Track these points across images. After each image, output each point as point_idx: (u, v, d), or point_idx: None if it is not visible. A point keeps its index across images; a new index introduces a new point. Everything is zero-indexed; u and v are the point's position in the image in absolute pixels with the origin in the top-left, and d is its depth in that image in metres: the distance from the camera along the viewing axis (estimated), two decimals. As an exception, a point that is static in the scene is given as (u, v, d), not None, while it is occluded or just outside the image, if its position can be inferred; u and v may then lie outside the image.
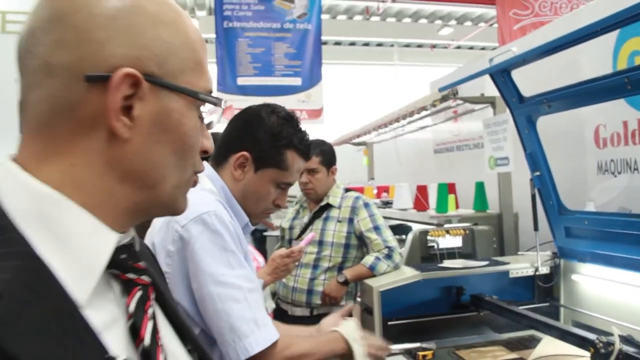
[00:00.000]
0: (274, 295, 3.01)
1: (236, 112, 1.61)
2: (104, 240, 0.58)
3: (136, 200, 0.61)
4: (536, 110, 2.18)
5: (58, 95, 0.56)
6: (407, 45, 13.02)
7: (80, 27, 0.56)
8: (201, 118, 0.67)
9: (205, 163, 1.16)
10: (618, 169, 2.86)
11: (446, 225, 3.19)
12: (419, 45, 12.89)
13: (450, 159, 5.13)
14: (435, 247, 2.86)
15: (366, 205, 2.84)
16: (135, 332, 0.58)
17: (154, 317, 0.61)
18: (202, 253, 1.31)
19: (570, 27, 1.75)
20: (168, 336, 0.67)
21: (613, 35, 2.75)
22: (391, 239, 2.75)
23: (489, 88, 2.73)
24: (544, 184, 2.28)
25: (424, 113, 4.37)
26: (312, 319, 2.64)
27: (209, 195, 1.42)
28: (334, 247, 2.80)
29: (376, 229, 2.76)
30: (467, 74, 2.30)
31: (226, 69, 5.99)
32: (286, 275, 2.35)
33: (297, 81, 6.11)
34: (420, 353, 2.06)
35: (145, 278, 0.63)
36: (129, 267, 0.61)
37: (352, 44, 12.87)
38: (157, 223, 1.42)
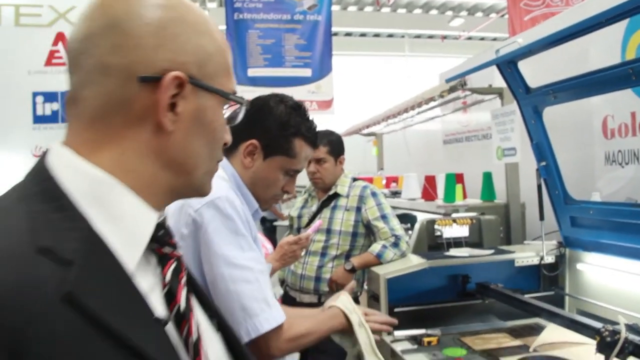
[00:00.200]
0: (282, 282, 3.05)
1: (246, 102, 1.64)
2: (147, 218, 0.67)
3: (175, 184, 0.71)
4: (542, 101, 2.20)
5: (112, 93, 0.65)
6: (418, 36, 12.98)
7: (135, 34, 0.65)
8: None
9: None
10: (625, 160, 2.87)
11: (453, 215, 3.22)
12: (430, 36, 12.86)
13: (460, 149, 5.14)
14: (441, 235, 2.89)
15: (374, 194, 2.88)
16: (170, 298, 0.67)
17: (186, 285, 0.70)
18: (214, 236, 1.36)
19: (580, 18, 1.76)
20: (194, 304, 0.75)
21: (622, 27, 2.75)
22: (398, 227, 2.78)
23: (497, 79, 2.75)
24: (550, 174, 2.30)
25: (432, 104, 4.38)
26: (320, 306, 2.68)
27: (222, 182, 1.46)
28: (341, 235, 2.84)
29: (383, 217, 2.80)
30: (475, 65, 2.32)
31: (237, 61, 6.00)
32: (294, 262, 2.40)
33: (307, 72, 6.11)
34: (425, 339, 2.10)
35: (179, 252, 0.71)
36: (165, 242, 0.69)
37: (363, 35, 12.85)
38: (171, 207, 1.47)
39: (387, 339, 2.15)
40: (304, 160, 1.59)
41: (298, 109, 1.57)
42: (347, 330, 1.57)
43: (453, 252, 2.55)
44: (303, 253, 2.37)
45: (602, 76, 1.85)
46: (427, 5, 11.78)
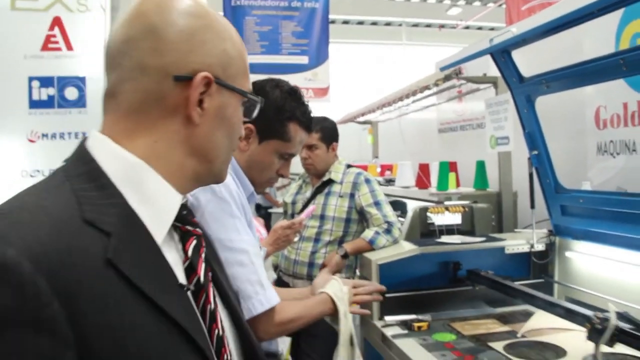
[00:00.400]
0: (275, 267, 3.08)
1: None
2: (173, 199, 0.77)
3: (199, 170, 0.81)
4: (535, 90, 2.22)
5: (149, 89, 0.75)
6: (416, 25, 12.94)
7: (170, 39, 0.75)
8: None
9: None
10: (617, 150, 2.89)
11: (446, 203, 3.24)
12: (427, 25, 12.82)
13: (454, 138, 5.16)
14: (434, 223, 2.91)
15: (367, 181, 2.90)
16: (191, 271, 0.77)
17: (206, 260, 0.81)
18: (210, 220, 1.38)
19: (575, 8, 1.77)
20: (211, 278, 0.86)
21: (616, 18, 2.76)
22: (391, 214, 2.81)
23: (492, 68, 2.76)
24: (541, 163, 2.33)
25: (427, 92, 4.39)
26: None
27: None
28: (335, 221, 2.86)
29: (376, 204, 2.82)
30: (469, 54, 2.33)
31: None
32: (287, 246, 2.43)
33: (304, 60, 6.11)
34: (416, 324, 2.13)
35: (199, 230, 0.82)
36: (188, 221, 0.81)
37: (360, 22, 12.80)
38: None
39: (378, 324, 2.18)
40: (299, 144, 1.62)
41: (293, 93, 1.59)
42: (336, 316, 1.61)
43: (444, 239, 2.58)
44: (296, 238, 2.39)
45: (593, 66, 1.87)
46: (425, -6, 11.76)
